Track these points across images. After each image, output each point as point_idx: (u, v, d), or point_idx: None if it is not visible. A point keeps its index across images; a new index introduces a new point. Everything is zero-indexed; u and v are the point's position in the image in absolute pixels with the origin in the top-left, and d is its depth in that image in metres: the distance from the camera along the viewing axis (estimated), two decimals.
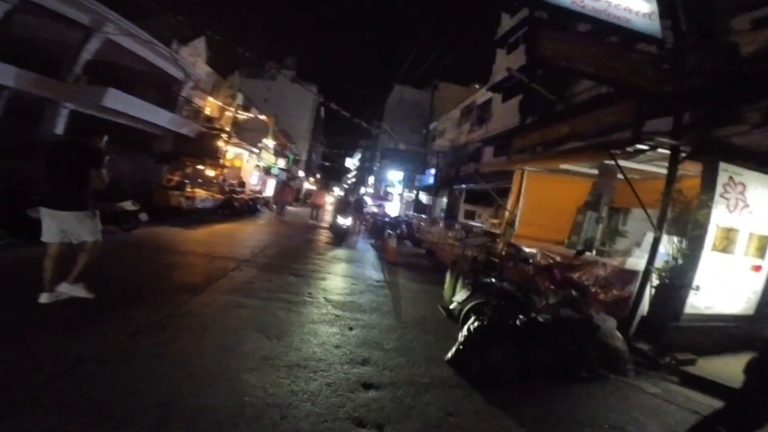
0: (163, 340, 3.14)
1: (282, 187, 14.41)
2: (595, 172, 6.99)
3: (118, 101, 12.33)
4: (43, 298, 3.48)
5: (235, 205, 13.00)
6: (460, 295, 4.54)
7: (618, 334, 4.03)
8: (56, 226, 3.52)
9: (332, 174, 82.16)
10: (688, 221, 4.24)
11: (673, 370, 4.00)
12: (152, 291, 4.35)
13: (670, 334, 4.27)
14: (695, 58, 5.04)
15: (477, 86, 23.97)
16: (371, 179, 41.85)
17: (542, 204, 7.89)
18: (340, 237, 10.44)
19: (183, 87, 17.52)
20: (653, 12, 4.56)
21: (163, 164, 10.81)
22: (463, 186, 17.79)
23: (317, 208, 15.04)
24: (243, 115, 18.31)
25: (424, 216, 19.72)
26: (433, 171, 21.47)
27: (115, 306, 3.68)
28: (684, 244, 4.23)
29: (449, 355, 3.71)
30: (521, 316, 3.87)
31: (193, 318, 3.76)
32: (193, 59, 18.32)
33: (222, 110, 20.18)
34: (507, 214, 8.22)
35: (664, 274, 4.29)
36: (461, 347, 3.67)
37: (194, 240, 7.96)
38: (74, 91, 11.66)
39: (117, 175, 6.29)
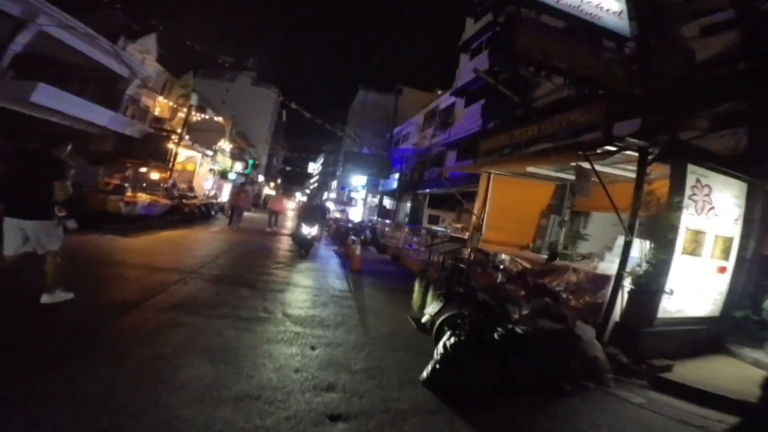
0: (72, 372, 2.51)
1: (237, 191, 13.50)
2: (560, 175, 6.97)
3: (49, 97, 11.02)
4: None
5: (185, 211, 11.97)
6: (432, 307, 4.19)
7: (597, 343, 3.84)
8: (20, 236, 3.56)
9: (294, 179, 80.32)
10: (658, 224, 4.16)
11: (652, 377, 3.87)
12: (66, 312, 3.61)
13: (645, 340, 4.16)
14: (658, 61, 5.07)
15: (440, 92, 24.23)
16: (334, 184, 41.15)
17: (508, 208, 7.79)
18: (304, 248, 9.08)
19: (128, 85, 16.23)
20: (623, 11, 4.53)
21: (98, 166, 9.56)
22: (427, 190, 17.72)
23: (276, 214, 14.22)
24: (196, 116, 17.14)
25: (388, 221, 19.44)
26: (396, 176, 21.29)
27: (11, 334, 2.97)
28: (655, 248, 4.14)
29: (425, 374, 3.33)
30: (499, 329, 3.57)
31: (116, 342, 3.11)
32: (142, 56, 17.06)
33: (174, 111, 18.86)
34: (474, 218, 8.05)
35: (636, 278, 4.17)
36: (438, 366, 3.30)
37: (132, 249, 7.05)
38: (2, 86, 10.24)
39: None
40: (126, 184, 9.17)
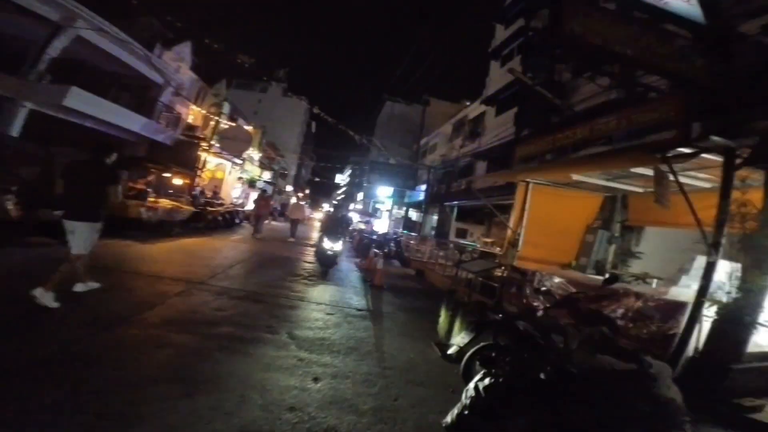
0: (12, 395, 2.02)
1: (259, 198, 13.26)
2: (611, 185, 6.12)
3: (82, 101, 11.24)
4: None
5: (208, 218, 11.81)
6: (461, 337, 3.49)
7: (673, 384, 3.02)
8: (78, 237, 3.87)
9: (322, 189, 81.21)
10: (753, 243, 3.31)
11: (740, 419, 3.03)
12: (47, 320, 3.20)
13: (732, 378, 3.29)
14: (738, 51, 4.23)
15: (468, 102, 23.59)
16: (360, 195, 40.92)
17: (548, 221, 6.95)
18: (325, 265, 7.89)
19: (162, 92, 16.56)
20: None
21: (122, 170, 9.44)
22: (455, 203, 16.93)
23: (296, 223, 13.81)
24: (225, 124, 17.30)
25: (413, 233, 18.73)
26: (423, 187, 20.61)
27: None
28: (749, 271, 3.28)
29: (449, 419, 2.63)
30: (548, 368, 2.82)
31: (82, 362, 2.63)
32: (177, 64, 17.47)
33: (206, 119, 19.17)
34: (509, 232, 7.26)
35: (723, 306, 3.32)
36: (466, 411, 2.60)
37: (145, 257, 6.76)
38: (34, 89, 10.54)
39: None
40: (148, 190, 8.99)
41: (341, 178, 69.73)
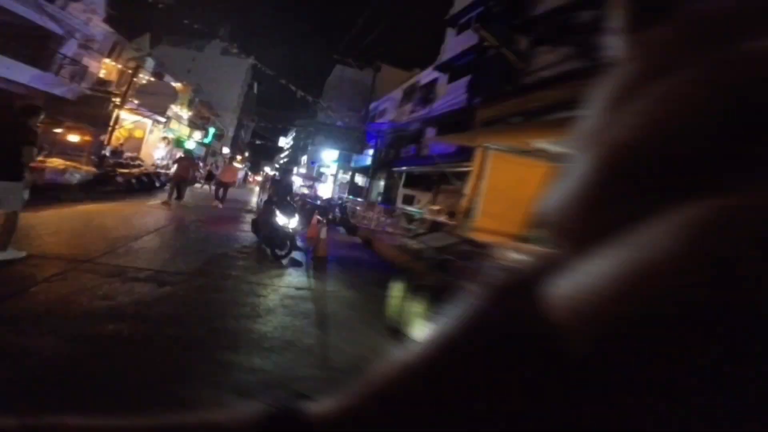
0: None
1: (182, 159, 11.49)
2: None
3: None
4: None
5: (118, 181, 9.99)
6: (423, 325, 2.86)
7: None
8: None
9: (264, 152, 76.71)
10: None
11: None
12: None
13: None
14: None
15: (418, 70, 22.87)
16: (304, 159, 38.93)
17: (505, 191, 6.52)
18: (274, 246, 6.05)
19: (63, 44, 13.85)
20: None
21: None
22: (404, 168, 16.35)
23: (225, 186, 12.16)
24: (144, 79, 14.79)
25: (359, 199, 17.98)
26: (371, 151, 19.71)
27: None
28: None
29: None
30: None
31: None
32: (86, 16, 14.62)
33: (123, 74, 16.31)
34: (465, 201, 6.77)
35: None
36: None
37: (23, 228, 5.28)
38: None
39: None
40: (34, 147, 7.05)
41: (285, 141, 66.18)
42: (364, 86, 30.63)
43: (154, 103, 13.56)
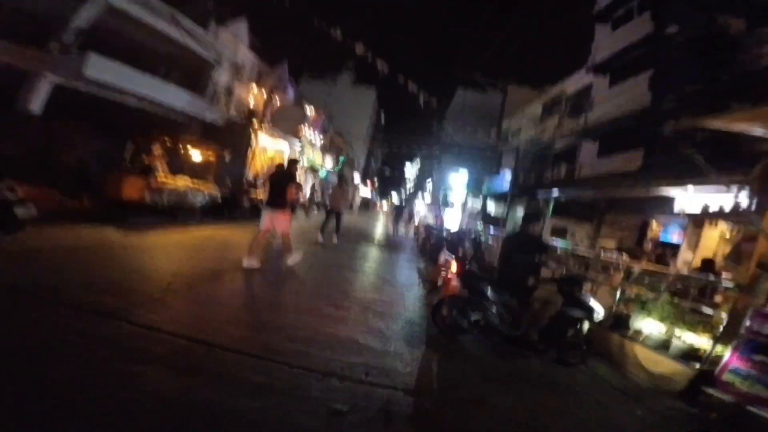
0: None
1: (335, 188, 10.25)
2: None
3: (106, 71, 9.87)
4: None
5: (244, 206, 9.87)
6: None
7: None
8: None
9: (392, 181, 79.42)
10: None
11: None
12: None
13: None
14: None
15: (549, 87, 19.59)
16: (429, 185, 37.80)
17: None
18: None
19: (214, 70, 15.49)
20: None
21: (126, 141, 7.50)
22: (554, 193, 13.20)
23: (336, 216, 9.73)
24: (277, 102, 15.59)
25: (493, 230, 15.31)
26: (507, 175, 16.96)
27: None
28: None
29: None
30: None
31: None
32: (235, 44, 16.36)
33: (265, 100, 17.78)
34: (763, 244, 3.88)
35: None
36: None
37: (113, 257, 4.73)
38: (55, 60, 9.36)
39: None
40: (156, 164, 7.00)
41: (411, 170, 67.13)
42: (489, 109, 28.66)
43: (287, 126, 13.93)
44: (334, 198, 9.89)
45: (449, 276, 5.00)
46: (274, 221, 5.27)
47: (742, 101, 8.38)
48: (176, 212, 7.33)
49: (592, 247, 13.60)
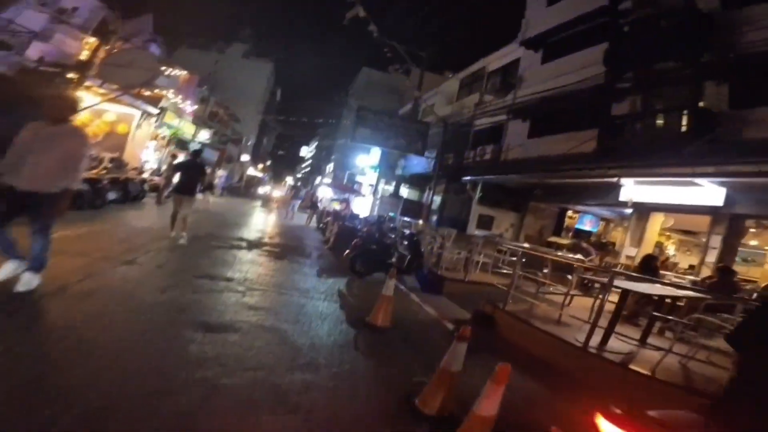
0: None
1: (181, 166, 6.60)
2: None
3: None
4: None
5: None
6: None
7: None
8: None
9: (286, 163, 73.18)
10: None
11: None
12: None
13: None
14: None
15: (450, 74, 19.15)
16: (330, 167, 34.46)
17: None
18: None
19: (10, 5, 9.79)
20: None
21: None
22: (479, 177, 11.37)
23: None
24: (115, 47, 10.45)
25: (410, 220, 13.01)
26: (429, 155, 14.74)
27: None
28: None
29: None
30: None
31: None
32: None
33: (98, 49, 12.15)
34: None
35: None
36: None
37: None
38: None
39: None
40: None
41: (307, 150, 62.59)
42: (393, 89, 27.08)
43: (127, 77, 9.11)
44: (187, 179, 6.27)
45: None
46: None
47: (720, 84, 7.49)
48: None
49: (516, 238, 12.47)
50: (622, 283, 3.87)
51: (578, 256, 7.68)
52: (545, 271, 5.04)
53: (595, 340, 3.69)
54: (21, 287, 3.00)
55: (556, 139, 10.51)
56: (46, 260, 3.21)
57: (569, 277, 4.86)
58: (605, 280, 3.84)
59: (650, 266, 5.76)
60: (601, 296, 4.02)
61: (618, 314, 3.74)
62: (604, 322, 3.77)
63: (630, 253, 8.82)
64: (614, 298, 3.96)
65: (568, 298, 5.01)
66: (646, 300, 4.83)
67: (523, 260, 5.22)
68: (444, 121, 13.07)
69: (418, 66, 15.42)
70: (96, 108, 12.19)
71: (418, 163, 15.33)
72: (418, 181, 15.95)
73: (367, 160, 18.32)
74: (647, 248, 8.72)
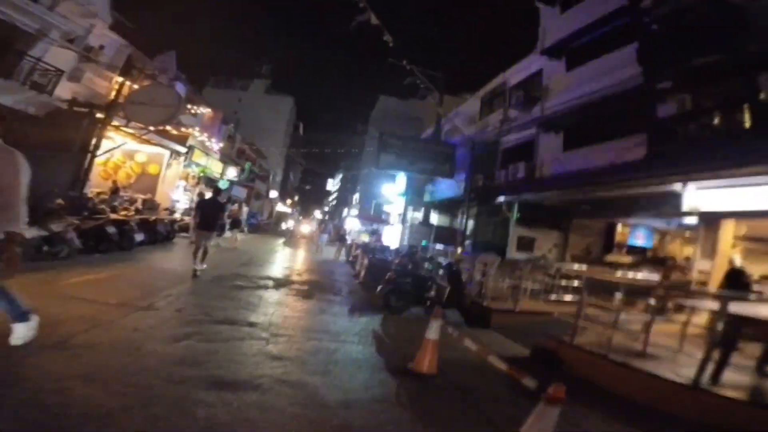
0: None
1: (203, 204, 6.58)
2: None
3: None
4: None
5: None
6: None
7: None
8: None
9: (314, 197, 74.45)
10: None
11: None
12: None
13: None
14: None
15: (467, 96, 18.79)
16: (356, 197, 34.41)
17: None
18: None
19: (37, 44, 10.46)
20: None
21: None
22: (516, 197, 10.62)
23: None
24: (137, 85, 10.81)
25: (442, 247, 12.30)
26: (454, 178, 14.18)
27: None
28: None
29: None
30: None
31: None
32: (88, 21, 11.58)
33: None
34: None
35: None
36: None
37: None
38: None
39: None
40: None
41: (333, 183, 63.35)
42: (413, 116, 27.07)
43: (147, 115, 9.20)
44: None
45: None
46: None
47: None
48: None
49: (561, 259, 11.50)
50: (739, 306, 3.08)
51: (652, 275, 6.74)
52: (617, 295, 4.24)
53: (689, 371, 2.90)
54: (15, 340, 2.62)
55: (595, 150, 9.73)
56: (20, 308, 2.65)
57: (651, 302, 4.04)
58: (710, 302, 3.06)
59: (741, 281, 4.84)
60: (692, 320, 3.23)
61: (733, 343, 2.95)
62: (689, 348, 2.99)
63: (703, 267, 7.74)
64: (697, 318, 3.20)
65: (645, 325, 4.18)
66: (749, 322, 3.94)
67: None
68: (471, 140, 12.53)
69: (436, 87, 15.18)
70: (126, 149, 12.57)
71: (448, 187, 14.72)
72: (448, 206, 15.30)
73: (393, 188, 17.96)
74: (722, 261, 7.63)
